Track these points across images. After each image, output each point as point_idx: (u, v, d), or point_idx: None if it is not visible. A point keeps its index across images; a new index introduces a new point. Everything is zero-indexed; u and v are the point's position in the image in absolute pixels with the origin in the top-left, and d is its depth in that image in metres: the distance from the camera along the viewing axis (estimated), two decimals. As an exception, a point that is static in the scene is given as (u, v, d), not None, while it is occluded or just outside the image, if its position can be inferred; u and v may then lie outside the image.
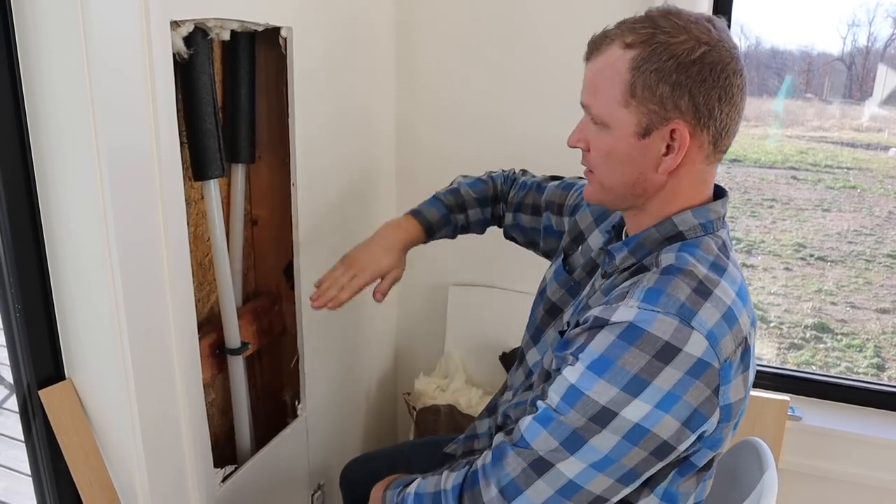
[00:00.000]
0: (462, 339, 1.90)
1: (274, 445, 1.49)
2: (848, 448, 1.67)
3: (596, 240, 1.14)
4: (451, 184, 1.41)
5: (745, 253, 4.70)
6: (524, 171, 1.41)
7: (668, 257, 0.91)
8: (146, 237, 1.05)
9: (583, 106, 0.95)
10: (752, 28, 3.90)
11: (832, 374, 2.19)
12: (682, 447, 0.86)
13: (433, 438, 1.61)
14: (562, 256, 1.20)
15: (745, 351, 0.88)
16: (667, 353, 0.82)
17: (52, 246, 1.03)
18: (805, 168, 4.59)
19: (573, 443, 0.85)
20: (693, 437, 0.86)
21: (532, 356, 1.17)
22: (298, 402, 1.57)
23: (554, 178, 1.35)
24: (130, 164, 1.01)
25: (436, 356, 1.93)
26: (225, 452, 1.47)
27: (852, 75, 4.06)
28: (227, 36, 1.24)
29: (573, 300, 1.11)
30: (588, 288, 1.07)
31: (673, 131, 0.89)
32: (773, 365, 1.86)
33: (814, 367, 3.42)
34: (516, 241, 1.40)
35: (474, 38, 1.76)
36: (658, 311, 0.84)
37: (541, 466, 0.87)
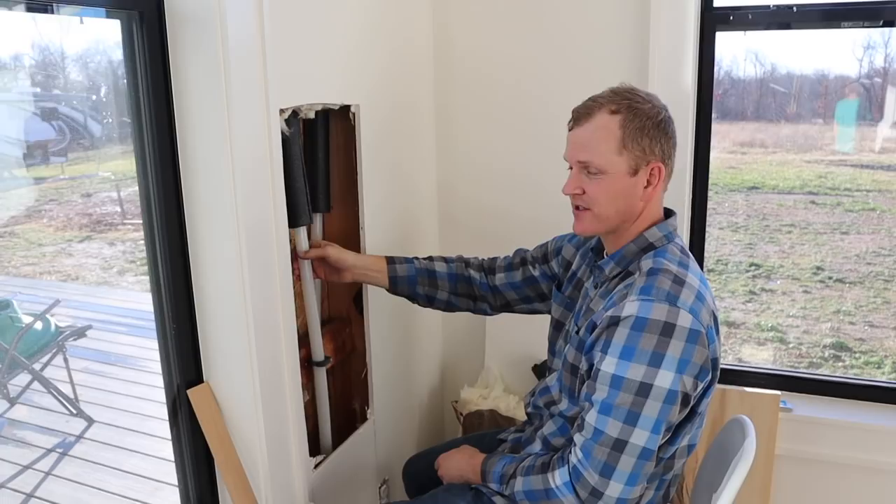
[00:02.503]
0: (500, 354, 2.22)
1: (350, 444, 1.81)
2: (835, 433, 1.96)
3: (579, 264, 1.48)
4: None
5: (765, 278, 4.79)
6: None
7: (647, 263, 1.26)
8: (266, 274, 1.40)
9: (577, 162, 1.29)
10: (766, 55, 4.00)
11: (820, 372, 2.45)
12: (695, 395, 1.20)
13: (479, 433, 1.91)
14: (555, 283, 1.54)
15: (715, 320, 1.24)
16: (667, 329, 1.16)
17: (198, 279, 1.38)
18: (824, 192, 4.74)
19: (632, 417, 1.17)
20: (701, 387, 1.20)
21: (553, 363, 1.49)
22: (367, 408, 1.89)
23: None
24: (257, 216, 1.36)
25: (477, 369, 2.25)
26: (311, 447, 1.78)
27: (871, 97, 4.18)
28: (312, 115, 1.60)
29: (571, 313, 1.44)
30: (581, 299, 1.40)
31: (653, 169, 1.27)
32: (766, 366, 2.15)
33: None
34: (508, 304, 1.65)
35: (502, 110, 2.14)
36: (653, 300, 1.18)
37: (619, 445, 1.18)
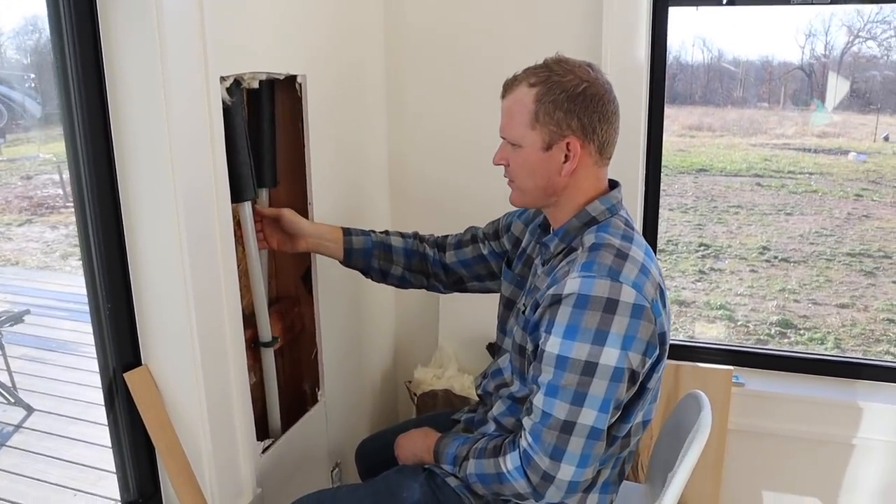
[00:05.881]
0: (453, 334, 2.18)
1: (300, 427, 1.75)
2: (785, 407, 1.99)
3: (528, 240, 1.44)
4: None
5: (713, 258, 4.91)
6: None
7: (589, 238, 1.22)
8: (208, 250, 1.33)
9: (501, 136, 1.27)
10: (713, 41, 4.09)
11: (770, 347, 2.49)
12: (643, 371, 1.17)
13: (433, 414, 1.88)
14: (505, 261, 1.50)
15: (661, 293, 1.21)
16: (610, 305, 1.13)
17: (134, 258, 1.30)
18: (769, 175, 4.86)
19: (579, 398, 1.14)
20: (649, 363, 1.18)
21: (504, 342, 1.45)
22: (318, 390, 1.84)
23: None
24: (197, 191, 1.29)
25: (431, 349, 2.22)
26: (259, 431, 1.73)
27: (812, 83, 4.35)
28: (255, 85, 1.53)
29: (522, 291, 1.40)
30: (531, 277, 1.37)
31: (568, 144, 1.22)
32: (718, 342, 2.17)
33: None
34: (460, 281, 1.61)
35: (456, 79, 2.08)
36: (594, 276, 1.15)
37: (567, 427, 1.15)
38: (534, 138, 1.23)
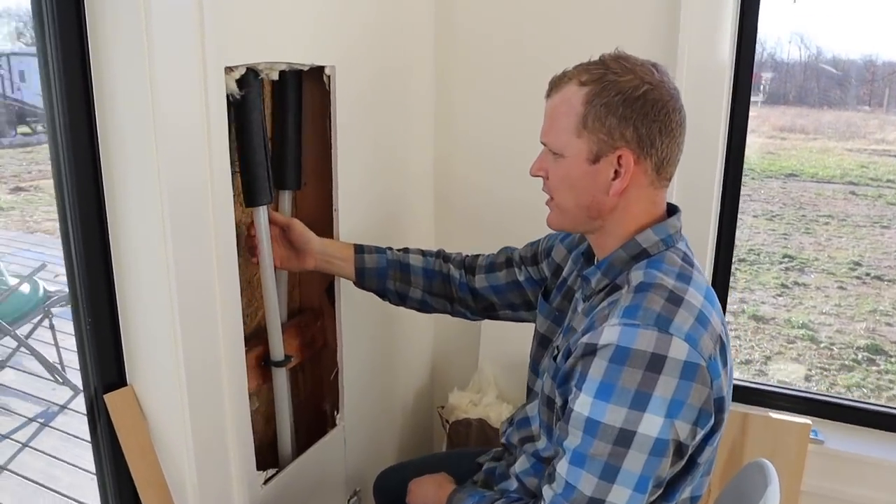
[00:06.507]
0: (495, 356, 1.98)
1: (313, 452, 1.60)
2: (871, 473, 1.70)
3: (570, 269, 1.23)
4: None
5: (798, 271, 4.61)
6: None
7: (637, 275, 1.00)
8: (200, 260, 1.18)
9: (541, 141, 1.07)
10: (812, 38, 3.82)
11: (857, 399, 2.19)
12: (693, 444, 0.95)
13: (464, 450, 1.70)
14: (542, 290, 1.29)
15: (723, 347, 0.98)
16: (655, 362, 0.91)
17: (119, 267, 1.16)
18: (865, 183, 4.56)
19: (610, 472, 0.93)
20: (702, 434, 0.95)
21: (535, 385, 1.25)
22: (337, 412, 1.68)
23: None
24: (188, 195, 1.13)
25: (470, 371, 2.02)
26: (269, 457, 1.58)
27: None
28: (276, 76, 1.37)
29: (559, 328, 1.19)
30: (570, 313, 1.16)
31: (619, 157, 1.00)
32: (796, 388, 1.89)
33: (864, 391, 3.37)
34: (490, 309, 1.42)
35: (513, 79, 1.86)
36: (638, 325, 0.93)
37: None
38: (579, 147, 1.02)
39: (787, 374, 3.77)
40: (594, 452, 0.93)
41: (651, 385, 0.91)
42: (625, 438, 0.92)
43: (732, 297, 2.81)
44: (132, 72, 1.04)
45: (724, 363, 0.98)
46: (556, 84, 1.06)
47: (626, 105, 0.99)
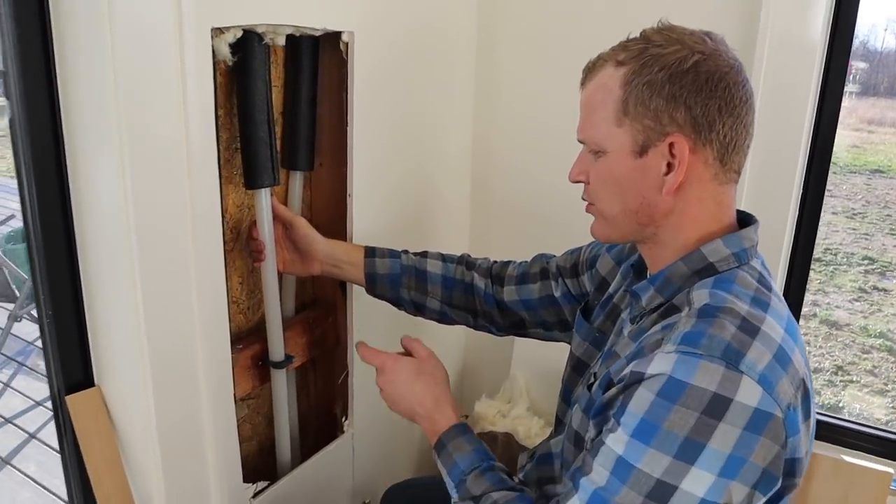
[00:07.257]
0: (529, 362, 1.79)
1: (315, 461, 1.45)
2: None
3: (618, 284, 1.03)
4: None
5: (878, 275, 4.35)
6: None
7: (701, 295, 0.80)
8: (172, 245, 1.02)
9: (578, 139, 0.89)
10: None
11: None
12: None
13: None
14: (581, 307, 1.09)
15: (806, 395, 0.77)
16: (717, 406, 0.71)
17: (83, 254, 1.02)
18: None
19: None
20: (763, 501, 0.75)
21: (565, 416, 1.06)
22: (345, 418, 1.52)
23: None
24: (158, 175, 0.97)
25: (501, 377, 1.83)
26: (268, 466, 1.44)
27: None
28: (282, 41, 1.20)
29: (599, 352, 1.00)
30: (613, 335, 0.96)
31: (671, 146, 0.81)
32: (878, 426, 1.63)
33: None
34: (519, 325, 1.24)
35: (568, 53, 1.62)
36: (700, 356, 0.73)
37: None
38: (622, 139, 0.83)
39: (859, 388, 3.54)
40: (619, 500, 0.74)
41: (706, 434, 0.71)
42: (662, 494, 0.72)
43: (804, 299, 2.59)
44: (92, 29, 0.89)
45: (807, 415, 0.77)
46: (590, 70, 0.88)
47: (672, 81, 0.79)
